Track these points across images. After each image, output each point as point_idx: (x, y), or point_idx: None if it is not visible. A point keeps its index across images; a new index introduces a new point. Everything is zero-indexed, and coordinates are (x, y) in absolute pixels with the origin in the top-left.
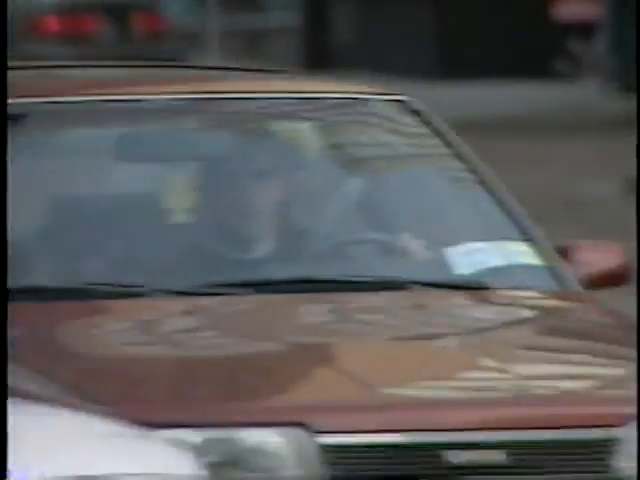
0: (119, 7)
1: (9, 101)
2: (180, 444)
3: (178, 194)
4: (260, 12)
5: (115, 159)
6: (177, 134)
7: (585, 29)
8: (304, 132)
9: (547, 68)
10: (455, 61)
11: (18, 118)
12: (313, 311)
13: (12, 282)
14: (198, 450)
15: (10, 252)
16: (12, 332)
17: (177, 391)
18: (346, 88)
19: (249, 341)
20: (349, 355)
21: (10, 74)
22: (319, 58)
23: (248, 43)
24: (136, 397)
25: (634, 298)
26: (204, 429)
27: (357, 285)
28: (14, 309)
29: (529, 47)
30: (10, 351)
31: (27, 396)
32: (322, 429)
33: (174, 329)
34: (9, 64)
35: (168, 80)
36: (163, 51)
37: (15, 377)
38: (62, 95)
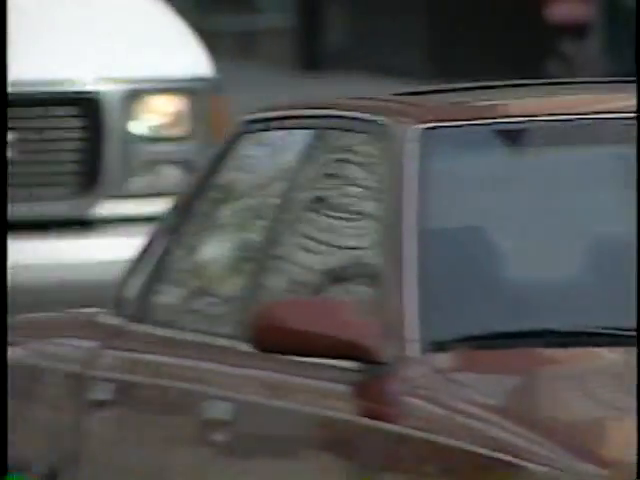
0: None
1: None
2: None
3: None
4: (254, 13)
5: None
6: None
7: (578, 30)
8: None
9: (540, 69)
10: (448, 63)
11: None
12: None
13: (517, 325)
14: None
15: (513, 292)
16: (506, 378)
17: None
18: None
19: None
20: None
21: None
22: (314, 60)
23: (242, 44)
24: None
25: None
26: None
27: None
28: (514, 354)
29: (522, 48)
30: (495, 400)
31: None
32: None
33: None
34: (491, 83)
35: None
36: None
37: (505, 432)
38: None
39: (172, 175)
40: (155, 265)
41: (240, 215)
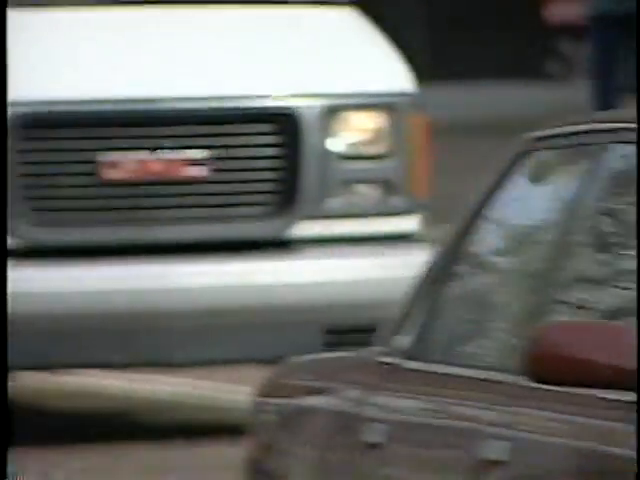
0: None
1: None
2: None
3: None
4: None
5: None
6: None
7: (576, 30)
8: None
9: (538, 69)
10: (447, 62)
11: None
12: None
13: None
14: None
15: None
16: None
17: None
18: None
19: None
20: None
21: None
22: None
23: None
24: None
25: None
26: None
27: None
28: None
29: (520, 48)
30: None
31: None
32: None
33: None
34: None
35: None
36: None
37: None
38: None
39: (371, 195)
40: (430, 300)
41: (518, 247)
